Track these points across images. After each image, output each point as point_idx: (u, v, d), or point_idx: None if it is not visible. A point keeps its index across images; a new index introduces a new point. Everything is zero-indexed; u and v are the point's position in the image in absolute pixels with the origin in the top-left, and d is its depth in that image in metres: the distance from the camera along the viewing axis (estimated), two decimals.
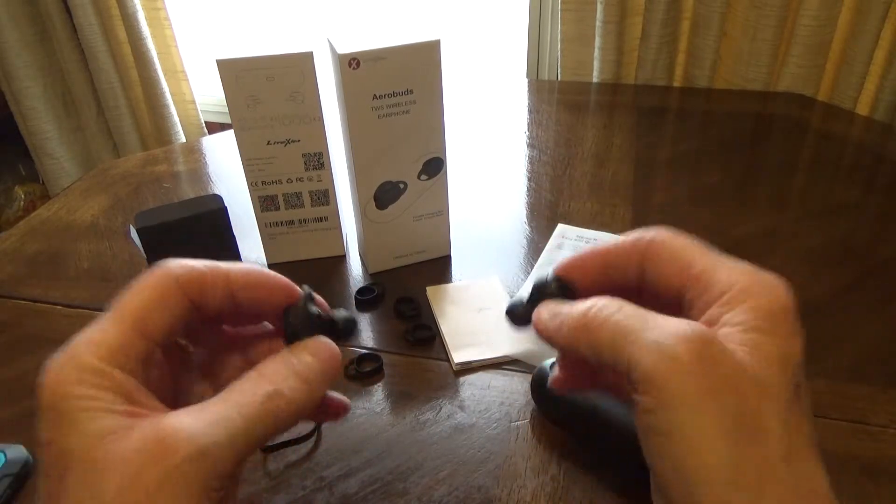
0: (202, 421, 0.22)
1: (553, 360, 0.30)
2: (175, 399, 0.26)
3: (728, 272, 0.24)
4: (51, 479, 0.21)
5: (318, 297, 0.28)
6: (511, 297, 0.56)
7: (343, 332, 0.28)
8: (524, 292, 0.29)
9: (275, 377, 0.24)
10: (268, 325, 0.30)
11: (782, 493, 0.20)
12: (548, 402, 0.41)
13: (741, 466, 0.20)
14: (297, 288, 0.28)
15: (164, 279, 0.24)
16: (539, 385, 0.30)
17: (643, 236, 0.25)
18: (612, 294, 0.25)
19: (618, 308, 0.23)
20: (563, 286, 0.27)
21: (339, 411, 0.29)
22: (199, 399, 0.23)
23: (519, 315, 0.29)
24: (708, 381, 0.20)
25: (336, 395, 0.29)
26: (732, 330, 0.22)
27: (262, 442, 0.23)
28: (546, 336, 0.26)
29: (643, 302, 0.25)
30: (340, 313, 0.28)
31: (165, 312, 0.24)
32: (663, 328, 0.21)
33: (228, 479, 0.22)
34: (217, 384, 0.29)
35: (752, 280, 0.23)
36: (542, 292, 0.28)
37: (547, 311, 0.26)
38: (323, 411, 0.29)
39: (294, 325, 0.27)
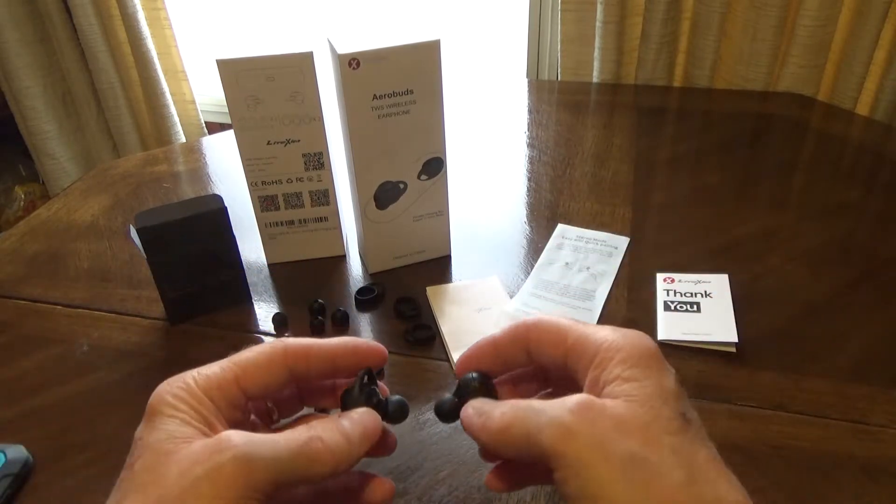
0: (254, 438, 0.25)
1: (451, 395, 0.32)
2: None
3: (596, 335, 0.27)
4: (126, 467, 0.25)
5: (381, 384, 0.32)
6: (511, 297, 0.56)
7: (391, 415, 0.31)
8: (448, 394, 0.32)
9: (320, 427, 0.27)
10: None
11: None
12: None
13: (646, 502, 0.22)
14: (386, 353, 0.32)
15: (276, 348, 0.29)
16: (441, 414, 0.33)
17: (522, 322, 0.29)
18: (520, 377, 0.32)
19: (513, 403, 0.27)
20: (483, 380, 0.31)
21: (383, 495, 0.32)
22: None
23: (446, 412, 0.31)
24: (597, 439, 0.23)
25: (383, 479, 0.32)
26: (611, 385, 0.25)
27: (300, 476, 0.26)
28: (473, 434, 0.28)
29: (550, 380, 0.32)
30: (394, 398, 0.32)
31: (265, 374, 0.29)
32: (551, 408, 0.25)
33: (265, 496, 0.25)
34: (273, 422, 0.34)
35: (616, 336, 0.26)
36: (466, 388, 0.31)
37: (472, 409, 0.29)
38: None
39: (347, 400, 0.31)
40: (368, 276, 0.60)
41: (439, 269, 0.61)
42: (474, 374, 0.31)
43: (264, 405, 0.33)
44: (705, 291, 0.55)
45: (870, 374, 0.48)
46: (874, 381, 0.48)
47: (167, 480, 0.24)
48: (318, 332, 0.53)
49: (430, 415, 0.46)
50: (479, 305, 0.55)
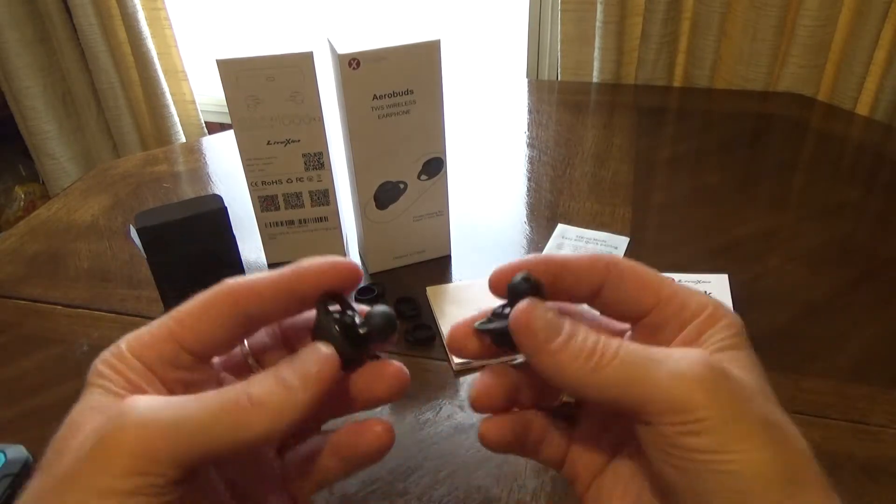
0: (159, 402, 0.22)
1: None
2: None
3: (696, 297, 0.25)
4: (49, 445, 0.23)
5: (359, 306, 0.27)
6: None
7: (376, 332, 0.25)
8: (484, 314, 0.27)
9: (254, 380, 0.23)
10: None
11: (821, 485, 0.22)
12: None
13: (788, 465, 0.21)
14: (357, 269, 0.26)
15: (216, 291, 0.25)
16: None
17: (601, 257, 0.26)
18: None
19: (619, 344, 0.23)
20: (534, 285, 0.25)
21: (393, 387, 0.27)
22: None
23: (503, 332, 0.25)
24: (734, 395, 0.22)
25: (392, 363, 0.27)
26: (715, 346, 0.24)
27: (225, 443, 0.22)
28: (530, 349, 0.24)
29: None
30: (375, 310, 0.26)
31: (206, 324, 0.25)
32: (674, 358, 0.23)
33: (176, 470, 0.21)
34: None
35: (716, 305, 0.25)
36: (516, 293, 0.25)
37: (541, 319, 0.24)
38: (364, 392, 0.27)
39: (316, 337, 0.25)
40: (368, 276, 0.60)
41: (439, 269, 0.61)
42: (521, 276, 0.26)
43: (244, 361, 0.28)
44: (705, 291, 0.55)
45: (870, 374, 0.48)
46: (874, 381, 0.48)
47: (66, 457, 0.21)
48: None
49: (430, 415, 0.46)
50: (479, 305, 0.55)
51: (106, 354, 0.24)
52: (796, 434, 0.22)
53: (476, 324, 0.27)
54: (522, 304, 0.24)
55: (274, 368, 0.24)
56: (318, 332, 0.25)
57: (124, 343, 0.24)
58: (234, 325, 0.25)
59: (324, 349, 0.24)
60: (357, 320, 0.26)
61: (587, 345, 0.23)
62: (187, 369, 0.25)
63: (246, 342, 0.28)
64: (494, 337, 0.26)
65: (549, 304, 0.25)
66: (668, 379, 0.22)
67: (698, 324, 0.25)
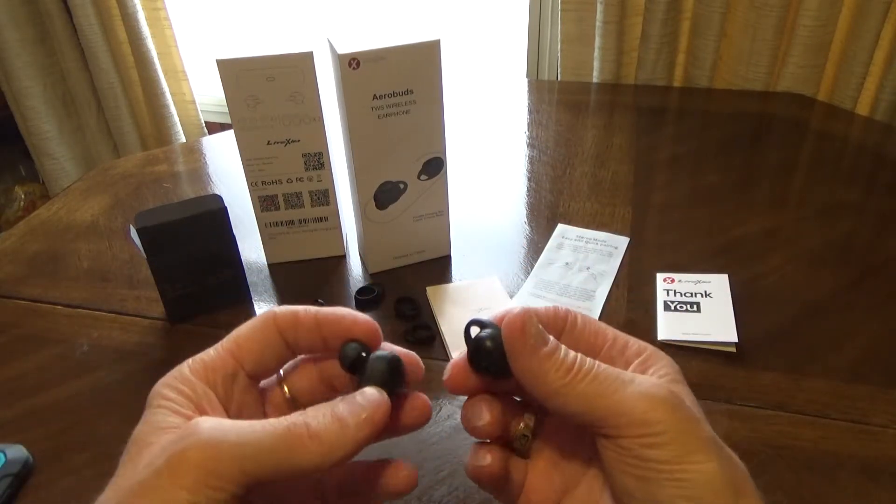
0: (224, 425, 0.24)
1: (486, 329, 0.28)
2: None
3: (635, 341, 0.29)
4: (120, 462, 0.25)
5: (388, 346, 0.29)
6: (511, 297, 0.56)
7: (372, 379, 0.27)
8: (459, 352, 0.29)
9: (311, 413, 0.25)
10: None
11: (756, 497, 0.25)
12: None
13: (733, 478, 0.24)
14: (376, 328, 0.29)
15: (266, 317, 0.28)
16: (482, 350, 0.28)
17: (559, 309, 0.29)
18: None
19: (594, 363, 0.26)
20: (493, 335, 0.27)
21: (417, 420, 0.30)
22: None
23: (488, 349, 0.27)
24: (688, 415, 0.25)
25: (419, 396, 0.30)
26: (661, 381, 0.27)
27: (281, 467, 0.23)
28: (544, 376, 0.26)
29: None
30: (376, 356, 0.28)
31: (259, 344, 0.28)
32: (640, 381, 0.26)
33: (238, 487, 0.23)
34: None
35: (654, 348, 0.28)
36: (484, 347, 0.27)
37: (533, 327, 0.26)
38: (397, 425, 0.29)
39: (369, 377, 0.27)
40: (368, 276, 0.60)
41: (439, 269, 0.61)
42: (487, 323, 0.28)
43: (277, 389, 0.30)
44: (705, 291, 0.55)
45: (870, 374, 0.48)
46: (874, 381, 0.48)
47: (135, 473, 0.23)
48: None
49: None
50: (479, 305, 0.55)
51: (169, 378, 0.26)
52: (735, 455, 0.26)
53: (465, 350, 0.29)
54: (517, 310, 0.27)
55: (331, 404, 0.25)
56: (368, 373, 0.27)
57: (186, 366, 0.27)
58: (281, 349, 0.28)
59: (378, 394, 0.26)
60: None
61: (568, 358, 0.26)
62: (243, 391, 0.28)
63: (282, 370, 0.30)
64: (482, 356, 0.28)
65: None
66: (635, 396, 0.25)
67: (643, 360, 0.28)
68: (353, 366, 0.27)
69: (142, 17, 1.39)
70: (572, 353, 0.26)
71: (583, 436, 0.29)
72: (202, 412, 0.25)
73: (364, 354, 0.28)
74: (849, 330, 0.52)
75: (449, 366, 0.29)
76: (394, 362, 0.28)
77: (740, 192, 0.71)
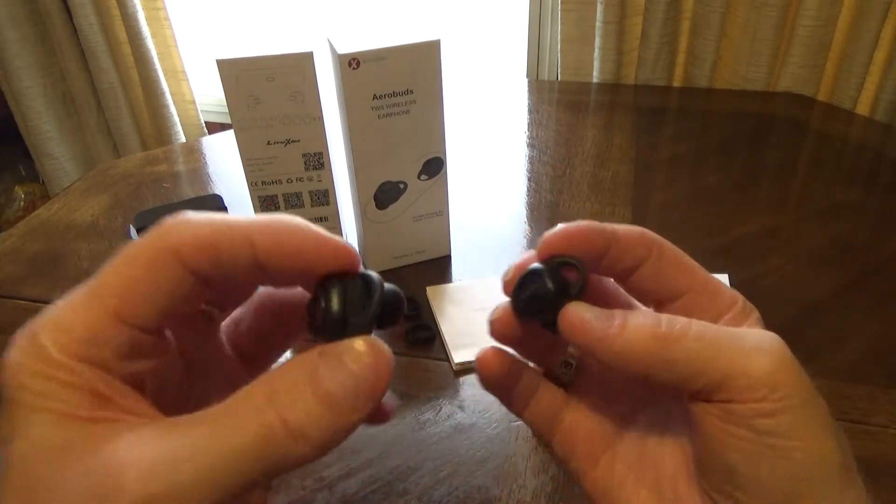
0: (166, 453, 0.17)
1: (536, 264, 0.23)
2: (192, 388, 0.22)
3: (726, 288, 0.24)
4: None
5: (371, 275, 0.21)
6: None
7: (390, 319, 0.20)
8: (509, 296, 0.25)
9: (285, 396, 0.18)
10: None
11: (863, 491, 0.21)
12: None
13: (846, 464, 0.21)
14: (351, 250, 0.20)
15: (159, 251, 0.19)
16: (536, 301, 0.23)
17: (647, 233, 0.25)
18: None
19: (689, 321, 0.22)
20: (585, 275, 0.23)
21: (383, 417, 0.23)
22: (231, 388, 0.19)
23: (547, 303, 0.23)
24: (807, 381, 0.21)
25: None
26: (769, 333, 0.23)
27: (252, 482, 0.17)
28: (591, 341, 0.22)
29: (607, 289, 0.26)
30: (385, 289, 0.21)
31: (156, 292, 0.18)
32: (752, 335, 0.22)
33: None
34: (260, 366, 0.25)
35: (744, 298, 0.24)
36: (564, 283, 0.23)
37: (590, 312, 0.22)
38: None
39: (344, 313, 0.19)
40: None
41: (439, 269, 0.61)
42: (579, 265, 0.23)
43: (197, 311, 0.22)
44: None
45: (870, 374, 0.48)
46: (874, 381, 0.48)
47: None
48: None
49: (430, 415, 0.46)
50: (479, 305, 0.55)
51: (28, 359, 0.17)
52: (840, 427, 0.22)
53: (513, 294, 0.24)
54: (569, 309, 0.23)
55: (308, 375, 0.18)
56: (344, 309, 0.19)
57: (49, 342, 0.18)
58: (185, 289, 0.19)
59: (384, 349, 0.19)
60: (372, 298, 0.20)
61: (648, 319, 0.22)
62: (149, 352, 0.19)
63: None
64: (529, 314, 0.24)
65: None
66: (752, 353, 0.21)
67: (734, 315, 0.23)
68: (342, 329, 0.19)
69: (142, 17, 1.39)
70: (650, 315, 0.22)
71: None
72: (104, 405, 0.18)
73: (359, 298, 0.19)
74: (849, 330, 0.52)
75: (495, 312, 0.24)
76: (400, 300, 0.20)
77: (740, 192, 0.71)
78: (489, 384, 0.26)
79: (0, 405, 0.18)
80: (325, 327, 0.19)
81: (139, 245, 0.19)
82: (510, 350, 0.26)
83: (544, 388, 0.27)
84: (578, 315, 0.22)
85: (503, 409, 0.45)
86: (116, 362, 0.18)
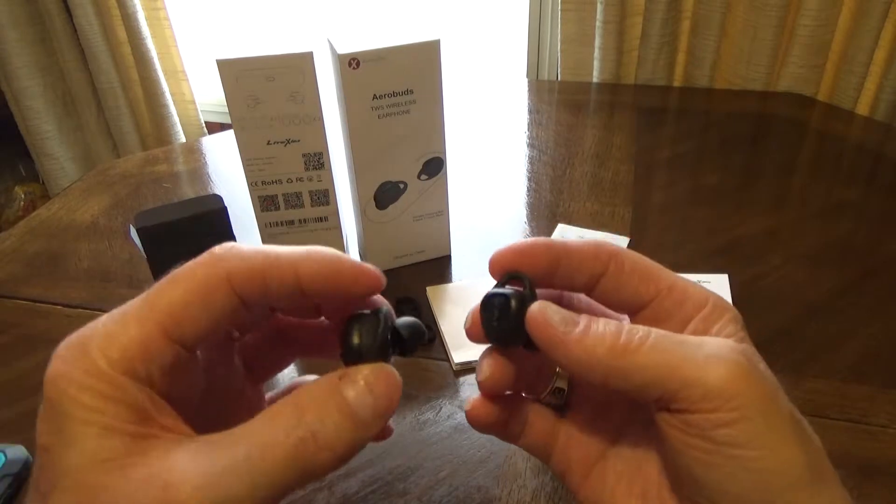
0: (217, 467, 0.18)
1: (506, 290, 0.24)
2: (207, 400, 0.23)
3: (695, 288, 0.24)
4: (38, 494, 0.19)
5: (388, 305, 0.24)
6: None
7: (409, 347, 0.24)
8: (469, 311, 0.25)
9: (313, 412, 0.19)
10: (324, 321, 0.26)
11: (837, 482, 0.21)
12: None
13: (812, 462, 0.21)
14: (378, 274, 0.23)
15: (213, 273, 0.20)
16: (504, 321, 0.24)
17: (603, 247, 0.25)
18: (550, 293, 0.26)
19: (648, 332, 0.22)
20: (532, 290, 0.24)
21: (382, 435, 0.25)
22: (239, 399, 0.20)
23: (509, 325, 0.24)
24: (767, 389, 0.21)
25: None
26: (732, 343, 0.23)
27: (287, 491, 0.19)
28: (551, 342, 0.22)
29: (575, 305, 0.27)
30: (403, 322, 0.24)
31: (206, 314, 0.20)
32: (710, 345, 0.22)
33: None
34: (261, 378, 0.27)
35: (716, 297, 0.24)
36: (508, 300, 0.24)
37: (556, 315, 0.23)
38: None
39: (360, 345, 0.22)
40: None
41: (439, 269, 0.61)
42: (523, 277, 0.24)
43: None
44: None
45: (870, 374, 0.48)
46: (874, 381, 0.48)
47: None
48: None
49: (430, 415, 0.46)
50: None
51: (78, 373, 0.18)
52: (812, 431, 0.22)
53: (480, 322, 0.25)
54: (535, 306, 0.23)
55: (332, 394, 0.20)
56: (372, 347, 0.22)
57: (99, 356, 0.19)
58: (232, 314, 0.21)
59: (395, 377, 0.21)
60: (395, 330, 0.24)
61: (610, 328, 0.22)
62: (188, 371, 0.21)
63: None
64: (503, 336, 0.24)
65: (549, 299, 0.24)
66: (709, 363, 0.21)
67: (704, 316, 0.23)
68: (362, 354, 0.22)
69: (142, 17, 1.39)
70: (613, 324, 0.22)
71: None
72: (146, 422, 0.19)
73: (387, 330, 0.23)
74: (849, 330, 0.52)
75: (469, 314, 0.25)
76: (416, 332, 0.24)
77: (740, 192, 0.71)
78: (483, 431, 0.27)
79: (40, 412, 0.19)
80: (346, 355, 0.22)
81: (192, 268, 0.20)
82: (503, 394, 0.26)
83: (535, 415, 0.27)
84: (543, 314, 0.23)
85: None
86: (160, 378, 0.19)
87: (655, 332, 0.22)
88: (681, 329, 0.24)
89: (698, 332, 0.23)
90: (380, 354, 0.22)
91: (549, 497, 0.40)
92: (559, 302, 0.25)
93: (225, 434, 0.19)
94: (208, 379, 0.23)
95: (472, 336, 0.25)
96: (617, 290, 0.24)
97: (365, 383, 0.20)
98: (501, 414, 0.26)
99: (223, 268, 0.20)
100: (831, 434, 0.44)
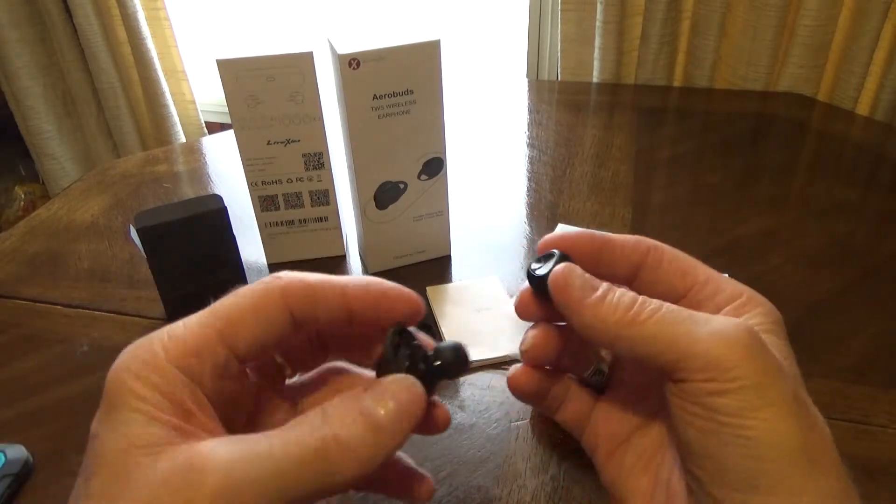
0: (241, 453, 0.19)
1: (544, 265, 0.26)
2: (250, 420, 0.25)
3: (730, 283, 0.26)
4: (81, 477, 0.20)
5: (423, 337, 0.26)
6: (511, 297, 0.56)
7: (445, 369, 0.24)
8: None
9: (337, 418, 0.21)
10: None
11: (840, 473, 0.21)
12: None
13: (809, 444, 0.21)
14: (417, 297, 0.25)
15: (270, 287, 0.22)
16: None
17: (644, 240, 0.27)
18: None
19: (660, 304, 0.23)
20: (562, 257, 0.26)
21: (438, 425, 0.27)
22: (275, 425, 0.21)
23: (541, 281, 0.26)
24: (767, 365, 0.22)
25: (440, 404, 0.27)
26: (745, 322, 0.24)
27: (312, 492, 0.20)
28: (566, 302, 0.24)
29: None
30: (444, 346, 0.24)
31: (259, 324, 0.22)
32: (717, 321, 0.23)
33: None
34: (291, 374, 0.28)
35: (753, 292, 0.26)
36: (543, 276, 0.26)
37: (578, 279, 0.24)
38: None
39: (381, 368, 0.23)
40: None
41: (439, 269, 0.61)
42: (557, 255, 0.26)
43: (271, 358, 0.26)
44: None
45: (870, 374, 0.48)
46: (874, 381, 0.48)
47: None
48: None
49: None
50: (479, 305, 0.55)
51: (137, 365, 0.20)
52: (822, 420, 0.22)
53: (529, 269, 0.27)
54: (559, 267, 0.25)
55: (356, 402, 0.21)
56: (387, 366, 0.23)
57: (160, 348, 0.21)
58: (285, 327, 0.23)
59: (416, 387, 0.22)
60: (428, 353, 0.24)
61: (624, 300, 0.23)
62: (233, 380, 0.22)
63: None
64: (536, 285, 0.26)
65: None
66: (708, 336, 0.22)
67: (736, 306, 0.25)
68: (386, 369, 0.23)
69: (142, 17, 1.39)
70: (630, 295, 0.23)
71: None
72: (187, 417, 0.20)
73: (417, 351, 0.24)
74: (849, 330, 0.52)
75: (518, 293, 0.27)
76: (463, 354, 0.24)
77: (740, 192, 0.71)
78: (521, 398, 0.29)
79: (101, 404, 0.21)
80: (378, 368, 0.24)
81: (254, 284, 0.23)
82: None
83: (574, 393, 0.29)
84: (565, 275, 0.24)
85: (503, 408, 0.45)
86: (209, 378, 0.21)
87: (667, 306, 0.23)
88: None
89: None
90: (409, 370, 0.23)
91: (549, 497, 0.40)
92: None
93: (255, 434, 0.21)
94: (257, 406, 0.25)
95: (521, 311, 0.27)
96: (655, 282, 0.26)
97: (387, 392, 0.22)
98: (540, 385, 0.28)
99: (279, 284, 0.23)
100: (832, 434, 0.44)
